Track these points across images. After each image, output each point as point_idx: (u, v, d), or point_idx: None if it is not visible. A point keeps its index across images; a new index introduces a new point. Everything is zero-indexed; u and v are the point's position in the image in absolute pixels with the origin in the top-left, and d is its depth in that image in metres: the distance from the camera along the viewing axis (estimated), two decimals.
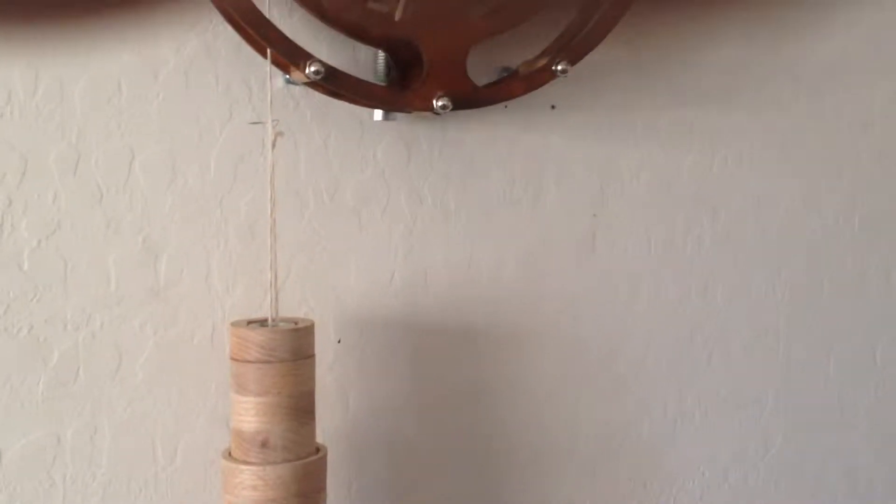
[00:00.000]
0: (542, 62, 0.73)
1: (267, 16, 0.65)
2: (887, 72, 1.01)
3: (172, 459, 0.73)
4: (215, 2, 0.62)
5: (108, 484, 0.71)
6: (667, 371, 0.93)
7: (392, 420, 0.81)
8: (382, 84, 0.72)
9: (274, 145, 0.64)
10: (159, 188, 0.71)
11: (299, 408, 0.65)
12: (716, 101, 0.92)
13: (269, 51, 0.65)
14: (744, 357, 0.96)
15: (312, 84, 0.67)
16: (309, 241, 0.76)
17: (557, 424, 0.88)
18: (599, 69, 0.84)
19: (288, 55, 0.64)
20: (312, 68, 0.63)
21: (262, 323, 0.67)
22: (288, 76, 0.71)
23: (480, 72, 0.78)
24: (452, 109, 0.68)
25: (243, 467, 0.64)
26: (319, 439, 0.70)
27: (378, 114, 0.74)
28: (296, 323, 0.67)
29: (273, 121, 0.70)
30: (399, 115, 0.75)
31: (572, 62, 0.72)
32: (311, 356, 0.67)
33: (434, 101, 0.67)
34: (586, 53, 0.73)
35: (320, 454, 0.67)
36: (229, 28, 0.67)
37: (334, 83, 0.66)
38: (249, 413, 0.64)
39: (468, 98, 0.70)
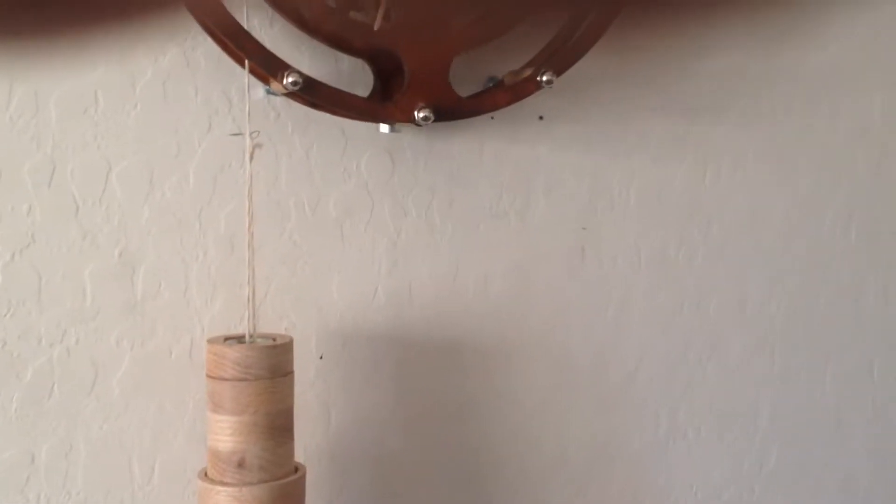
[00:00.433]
0: (528, 72, 0.72)
1: (245, 26, 0.65)
2: (884, 80, 1.01)
3: (150, 478, 0.73)
4: (192, 12, 0.62)
5: (83, 503, 0.71)
6: (659, 385, 0.92)
7: (376, 436, 0.80)
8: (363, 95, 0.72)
9: (252, 157, 0.63)
10: (136, 200, 0.71)
11: (277, 426, 0.65)
12: (708, 110, 0.91)
13: (246, 61, 0.65)
14: (738, 371, 0.96)
15: (292, 95, 0.67)
16: (290, 255, 0.76)
17: (546, 439, 0.87)
18: (588, 79, 0.84)
19: (265, 66, 0.64)
20: (290, 79, 0.63)
21: (240, 339, 0.67)
22: (268, 87, 0.71)
23: (468, 81, 0.77)
24: (434, 121, 0.68)
25: (219, 488, 0.64)
26: (301, 456, 0.70)
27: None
28: (274, 339, 0.67)
29: (253, 132, 0.70)
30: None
31: (558, 73, 0.72)
32: (290, 373, 0.66)
33: (415, 113, 0.67)
34: (572, 64, 0.73)
35: (298, 474, 0.67)
36: (209, 38, 0.67)
37: (312, 94, 0.66)
38: (225, 432, 0.64)
39: (451, 109, 0.70)
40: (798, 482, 1.00)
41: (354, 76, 0.75)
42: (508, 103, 0.73)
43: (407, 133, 0.78)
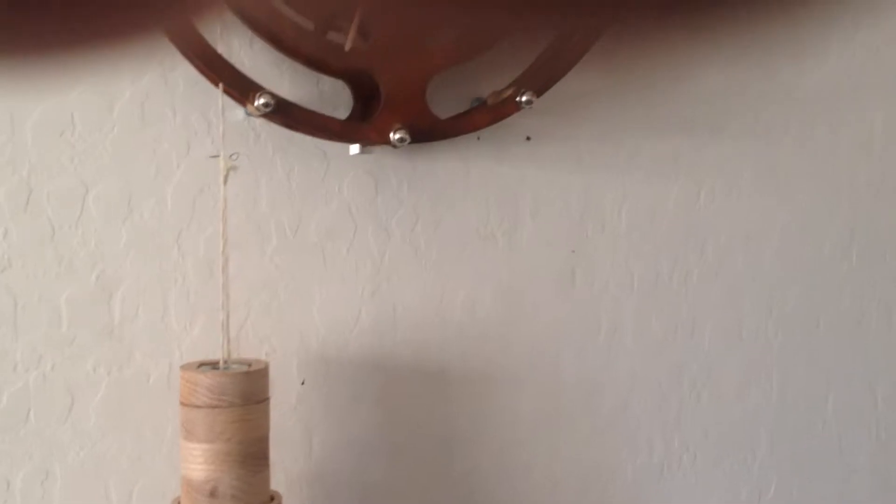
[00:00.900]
0: (509, 93, 0.72)
1: (220, 46, 0.65)
2: (885, 97, 1.00)
3: None
4: (166, 33, 0.62)
5: None
6: (652, 412, 0.91)
7: (359, 464, 0.80)
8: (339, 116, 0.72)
9: (226, 180, 0.64)
10: (114, 224, 0.71)
11: (250, 454, 0.64)
12: (702, 129, 0.91)
13: (220, 83, 0.65)
14: (735, 398, 0.95)
15: (268, 116, 0.68)
16: (271, 279, 0.76)
17: (536, 467, 0.87)
18: (577, 98, 0.84)
19: (236, 87, 0.64)
20: (261, 101, 0.63)
21: (215, 365, 0.67)
22: (248, 108, 0.72)
23: (454, 101, 0.78)
24: (411, 142, 0.68)
25: None
26: (282, 484, 0.69)
27: (355, 147, 0.74)
28: (249, 365, 0.67)
29: (233, 154, 0.70)
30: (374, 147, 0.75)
31: (538, 93, 0.72)
32: (265, 400, 0.66)
33: (391, 134, 0.67)
34: (552, 84, 0.73)
35: (274, 503, 0.66)
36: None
37: (285, 116, 0.66)
38: (198, 460, 0.64)
39: (427, 130, 0.70)
40: None
41: (336, 97, 0.76)
42: (487, 124, 0.73)
43: (390, 154, 0.79)
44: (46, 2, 0.14)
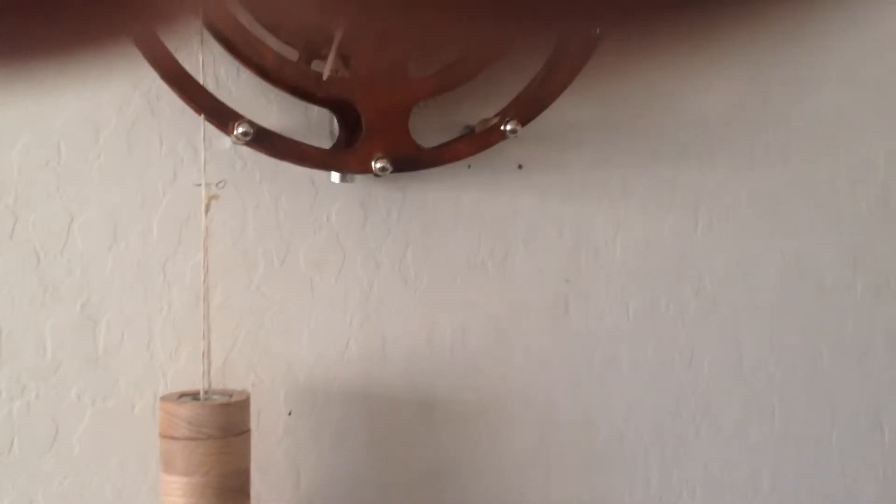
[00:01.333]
0: (494, 121, 0.73)
1: (205, 74, 0.66)
2: (888, 125, 0.99)
3: None
4: (149, 60, 0.63)
5: None
6: (649, 447, 0.90)
7: (347, 497, 0.80)
8: (320, 145, 0.72)
9: (207, 209, 0.64)
10: (99, 252, 0.72)
11: (230, 488, 0.64)
12: (699, 156, 0.91)
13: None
14: (735, 432, 0.94)
15: (249, 144, 0.68)
16: (258, 308, 0.77)
17: (529, 503, 0.86)
18: (570, 126, 0.84)
19: (214, 116, 0.65)
20: (240, 130, 0.64)
21: (196, 396, 0.67)
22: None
23: (443, 129, 0.78)
24: (392, 171, 0.68)
25: None
26: None
27: (335, 176, 0.75)
28: (230, 396, 0.67)
29: (219, 182, 0.71)
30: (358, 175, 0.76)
31: (523, 122, 0.72)
32: (245, 432, 0.66)
33: (373, 163, 0.68)
34: (538, 113, 0.73)
35: None
36: None
37: (265, 145, 0.67)
38: (176, 493, 0.64)
39: (410, 159, 0.70)
40: None
41: (323, 125, 0.76)
42: (471, 153, 0.74)
43: (379, 182, 0.79)
44: (16, 8, 0.14)
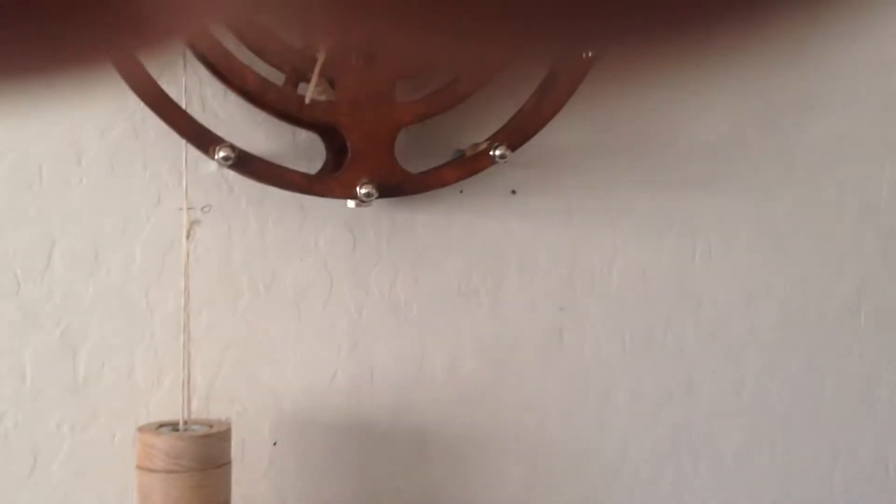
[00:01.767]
0: (484, 146, 0.72)
1: (191, 97, 0.66)
2: (892, 150, 0.98)
3: None
4: (129, 84, 0.63)
5: None
6: (647, 481, 0.89)
7: None
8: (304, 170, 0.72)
9: (189, 235, 0.63)
10: (80, 278, 0.71)
11: None
12: (698, 183, 0.90)
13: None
14: (735, 466, 0.92)
15: (233, 168, 0.68)
16: (243, 335, 0.76)
17: None
18: (564, 151, 0.83)
19: (195, 139, 0.64)
20: (221, 154, 0.64)
21: (175, 426, 0.66)
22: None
23: (434, 153, 0.77)
24: (378, 197, 0.68)
25: None
26: None
27: (351, 202, 0.73)
28: (211, 426, 0.66)
29: (204, 207, 0.70)
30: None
31: (513, 147, 0.71)
32: (225, 464, 0.65)
33: (358, 189, 0.67)
34: (528, 138, 0.72)
35: None
36: None
37: (247, 169, 0.66)
38: None
39: (395, 185, 0.69)
40: None
41: (311, 149, 0.76)
42: (458, 179, 0.73)
43: (369, 207, 0.78)
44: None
